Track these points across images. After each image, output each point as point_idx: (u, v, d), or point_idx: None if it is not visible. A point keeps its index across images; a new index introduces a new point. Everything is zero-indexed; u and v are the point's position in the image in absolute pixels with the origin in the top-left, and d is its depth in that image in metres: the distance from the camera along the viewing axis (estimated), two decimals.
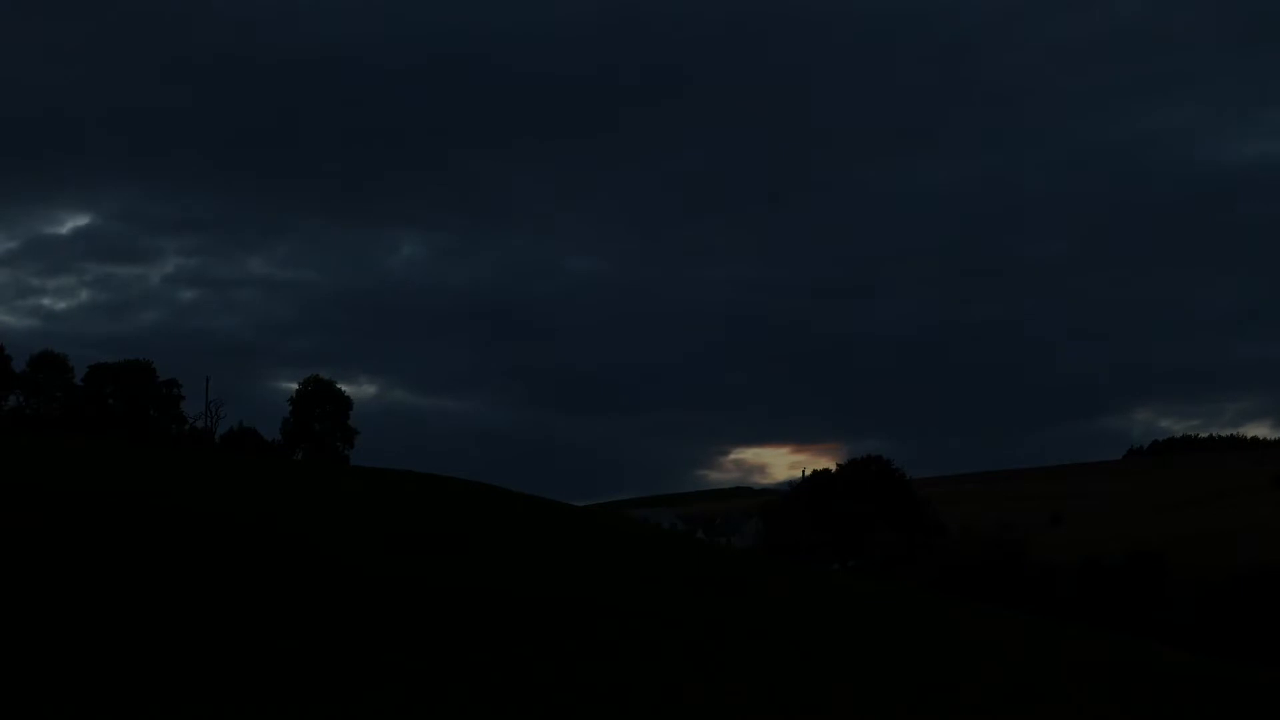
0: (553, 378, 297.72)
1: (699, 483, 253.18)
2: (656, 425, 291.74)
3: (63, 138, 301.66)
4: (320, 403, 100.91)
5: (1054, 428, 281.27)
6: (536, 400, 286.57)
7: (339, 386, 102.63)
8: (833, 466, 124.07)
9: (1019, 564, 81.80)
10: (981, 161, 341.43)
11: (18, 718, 9.96)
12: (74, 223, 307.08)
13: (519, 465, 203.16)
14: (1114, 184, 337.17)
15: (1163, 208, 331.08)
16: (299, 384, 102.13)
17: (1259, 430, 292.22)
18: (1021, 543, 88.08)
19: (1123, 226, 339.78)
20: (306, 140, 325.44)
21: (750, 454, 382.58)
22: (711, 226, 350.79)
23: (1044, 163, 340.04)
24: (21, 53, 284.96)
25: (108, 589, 15.00)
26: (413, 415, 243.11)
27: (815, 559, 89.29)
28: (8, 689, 10.52)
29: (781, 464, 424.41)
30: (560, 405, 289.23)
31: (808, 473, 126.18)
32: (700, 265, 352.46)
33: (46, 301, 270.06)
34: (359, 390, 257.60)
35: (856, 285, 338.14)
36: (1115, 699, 16.97)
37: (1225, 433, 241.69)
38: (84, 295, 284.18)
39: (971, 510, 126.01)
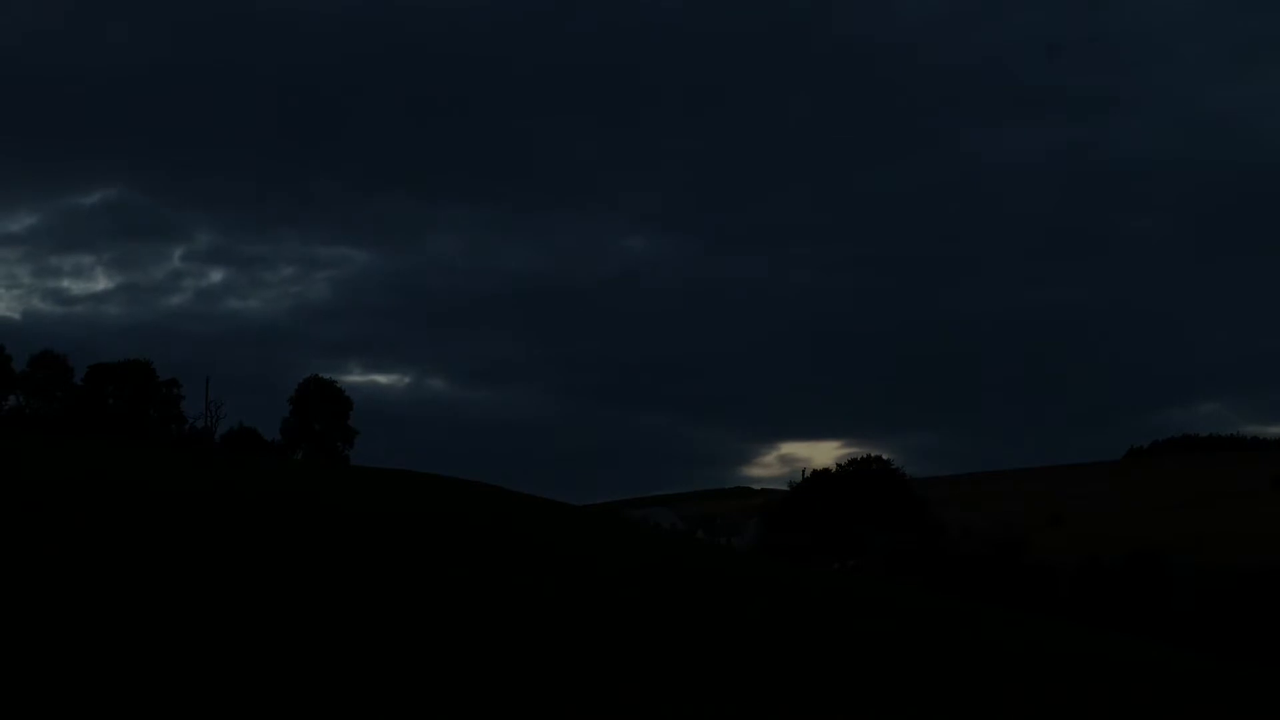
0: (597, 369, 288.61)
1: (741, 479, 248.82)
2: (695, 419, 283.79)
3: (91, 108, 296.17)
4: (320, 402, 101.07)
5: (1105, 420, 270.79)
6: (576, 392, 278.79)
7: (339, 385, 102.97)
8: (833, 466, 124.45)
9: (1019, 564, 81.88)
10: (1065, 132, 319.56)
11: (17, 718, 9.95)
12: (101, 196, 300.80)
13: (531, 463, 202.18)
14: (1214, 155, 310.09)
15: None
16: (300, 382, 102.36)
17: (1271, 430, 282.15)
18: (1021, 543, 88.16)
19: (1226, 203, 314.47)
20: (347, 110, 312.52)
21: (802, 448, 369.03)
22: (775, 206, 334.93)
23: (1139, 132, 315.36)
24: (56, 18, 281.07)
25: (107, 589, 15.00)
26: (447, 407, 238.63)
27: (815, 559, 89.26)
28: (8, 689, 10.52)
29: (829, 460, 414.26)
30: (600, 397, 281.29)
31: (807, 473, 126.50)
32: (758, 248, 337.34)
33: (66, 284, 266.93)
34: (395, 380, 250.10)
35: (920, 270, 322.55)
36: (1115, 699, 16.96)
37: (1225, 432, 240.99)
38: (103, 277, 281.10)
39: (971, 510, 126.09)
